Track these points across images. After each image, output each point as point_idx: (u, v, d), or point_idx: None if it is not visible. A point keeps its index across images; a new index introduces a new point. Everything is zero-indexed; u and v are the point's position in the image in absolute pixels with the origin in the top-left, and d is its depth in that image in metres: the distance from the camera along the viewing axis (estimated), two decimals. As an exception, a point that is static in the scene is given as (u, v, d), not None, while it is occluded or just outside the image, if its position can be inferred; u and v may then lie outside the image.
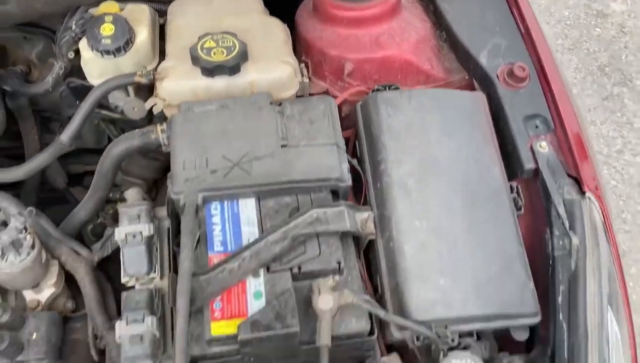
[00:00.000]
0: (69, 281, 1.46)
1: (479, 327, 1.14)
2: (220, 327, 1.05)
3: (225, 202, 1.18)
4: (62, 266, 1.42)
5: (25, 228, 1.25)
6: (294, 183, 1.16)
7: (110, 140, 2.21)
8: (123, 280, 1.22)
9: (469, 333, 1.16)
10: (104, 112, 1.71)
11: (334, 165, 1.18)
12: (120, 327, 1.12)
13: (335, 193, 1.21)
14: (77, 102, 1.73)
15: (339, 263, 1.12)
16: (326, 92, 1.48)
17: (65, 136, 1.37)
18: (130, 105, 1.60)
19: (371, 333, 1.11)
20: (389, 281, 1.17)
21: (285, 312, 1.05)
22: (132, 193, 1.35)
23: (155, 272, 1.22)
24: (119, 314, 1.47)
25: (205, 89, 1.32)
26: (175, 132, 1.20)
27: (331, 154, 1.19)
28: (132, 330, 1.12)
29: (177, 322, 1.00)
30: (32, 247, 1.29)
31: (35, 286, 1.36)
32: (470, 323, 1.12)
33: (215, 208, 1.17)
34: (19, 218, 1.24)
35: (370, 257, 1.26)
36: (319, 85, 1.48)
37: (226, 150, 1.18)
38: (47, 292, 1.37)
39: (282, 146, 1.19)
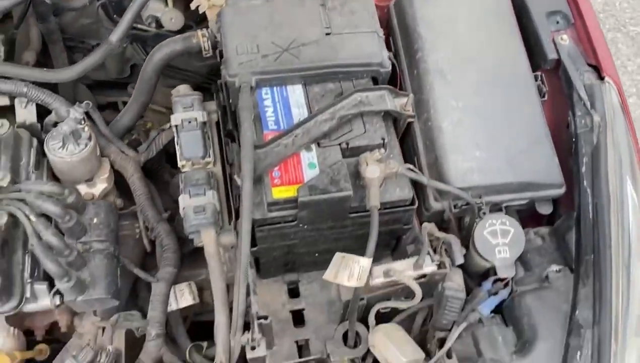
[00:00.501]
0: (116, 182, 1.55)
1: (511, 197, 1.26)
2: (280, 191, 1.15)
3: (275, 88, 1.27)
4: (111, 164, 1.51)
5: (84, 119, 1.33)
6: (339, 67, 1.25)
7: (133, 70, 2.29)
8: (180, 163, 1.31)
9: (498, 209, 1.28)
10: (140, 26, 1.78)
11: (376, 51, 1.27)
12: (184, 199, 1.22)
13: (375, 81, 1.31)
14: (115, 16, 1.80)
15: (383, 139, 1.22)
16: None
17: (115, 36, 1.44)
18: (168, 16, 1.66)
19: (412, 203, 1.22)
20: (427, 157, 1.28)
21: (338, 178, 1.15)
22: (183, 88, 1.43)
23: (209, 156, 1.31)
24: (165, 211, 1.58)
25: (248, -12, 1.39)
26: (226, 22, 1.28)
27: (372, 41, 1.28)
28: (195, 202, 1.22)
29: (243, 184, 1.10)
30: (89, 138, 1.37)
31: (89, 180, 1.44)
32: (503, 194, 1.23)
33: (266, 93, 1.26)
34: (78, 109, 1.32)
35: (405, 142, 1.36)
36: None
37: (275, 38, 1.26)
38: (99, 186, 1.46)
39: (327, 34, 1.28)
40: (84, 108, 1.32)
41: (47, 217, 1.24)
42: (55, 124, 1.51)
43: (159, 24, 1.75)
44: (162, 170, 1.77)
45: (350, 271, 1.11)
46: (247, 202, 1.10)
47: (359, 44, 1.27)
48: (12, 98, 1.46)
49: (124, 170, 1.52)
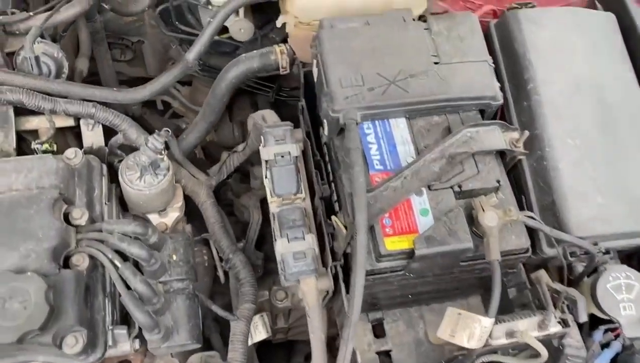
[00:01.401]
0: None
1: (628, 243, 1.17)
2: (394, 243, 1.06)
3: (377, 121, 1.17)
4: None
5: (164, 149, 1.23)
6: (450, 101, 1.15)
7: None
8: (270, 200, 1.21)
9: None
10: (196, 31, 1.66)
11: (488, 83, 1.17)
12: (282, 244, 1.13)
13: (482, 112, 1.20)
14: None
15: (498, 181, 1.13)
16: (446, 12, 1.44)
17: (192, 55, 1.33)
18: (237, 26, 1.54)
19: (527, 251, 1.13)
20: (540, 199, 1.18)
21: (456, 228, 1.06)
22: (269, 114, 1.32)
23: (301, 192, 1.21)
24: (237, 239, 1.49)
25: (339, 6, 1.28)
26: (325, 48, 1.16)
27: (484, 71, 1.17)
28: (294, 247, 1.12)
29: (358, 236, 1.00)
30: (168, 168, 1.27)
31: (163, 209, 1.35)
32: (629, 239, 1.14)
33: (368, 127, 1.16)
34: (158, 138, 1.21)
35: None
36: (437, 4, 1.44)
37: (380, 68, 1.15)
38: (172, 215, 1.36)
39: (435, 63, 1.17)
40: (164, 136, 1.21)
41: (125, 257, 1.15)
42: (121, 147, 1.41)
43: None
44: (223, 188, 1.68)
45: (471, 331, 1.03)
46: (362, 256, 1.01)
47: (470, 76, 1.16)
48: (76, 119, 1.36)
49: (195, 196, 1.43)
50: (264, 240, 1.60)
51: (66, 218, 1.14)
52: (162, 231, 1.35)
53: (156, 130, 1.23)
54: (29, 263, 1.05)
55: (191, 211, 1.46)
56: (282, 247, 1.13)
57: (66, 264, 1.10)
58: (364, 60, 1.15)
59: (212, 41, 1.34)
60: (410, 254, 1.05)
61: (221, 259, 1.41)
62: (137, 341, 1.19)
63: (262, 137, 1.23)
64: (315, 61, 1.21)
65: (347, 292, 1.18)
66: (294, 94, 1.92)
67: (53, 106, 1.26)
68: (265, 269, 1.54)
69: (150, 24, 1.96)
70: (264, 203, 1.61)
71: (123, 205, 1.36)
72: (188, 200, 1.43)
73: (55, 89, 1.27)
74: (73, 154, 1.21)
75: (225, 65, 1.86)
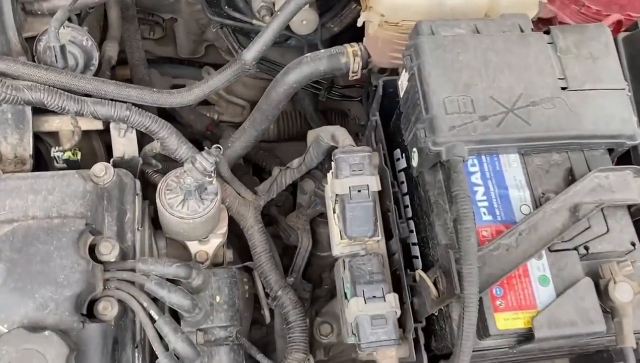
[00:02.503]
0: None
1: None
2: (507, 321, 0.83)
3: (484, 157, 0.94)
4: (226, 210, 1.19)
5: (213, 171, 1.00)
6: (582, 138, 0.91)
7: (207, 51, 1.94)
8: (336, 241, 0.99)
9: None
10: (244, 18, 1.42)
11: (627, 118, 0.93)
12: (357, 304, 0.91)
13: (609, 151, 0.97)
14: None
15: (634, 244, 0.90)
16: (554, 18, 1.20)
17: (251, 55, 1.08)
18: (301, 17, 1.30)
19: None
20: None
21: (586, 305, 0.84)
22: (341, 133, 1.08)
23: (378, 235, 0.99)
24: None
25: (437, 4, 1.03)
26: (426, 61, 0.92)
27: (622, 102, 0.93)
28: (372, 309, 0.90)
29: (466, 310, 0.78)
30: (216, 193, 1.04)
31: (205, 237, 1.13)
32: None
33: (472, 164, 0.93)
34: (208, 158, 0.98)
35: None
36: (546, 8, 1.19)
37: (494, 90, 0.91)
38: (214, 242, 1.14)
39: (562, 88, 0.93)
40: (214, 156, 0.98)
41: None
42: (156, 156, 1.19)
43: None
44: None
45: None
46: (471, 333, 0.79)
47: (605, 107, 0.92)
48: (105, 122, 1.13)
49: (241, 219, 1.20)
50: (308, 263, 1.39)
51: (91, 251, 0.93)
52: (201, 261, 1.14)
53: (205, 148, 1.00)
54: (47, 316, 0.83)
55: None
56: (356, 307, 0.91)
57: (90, 310, 0.89)
58: (474, 79, 0.91)
59: (275, 39, 1.09)
60: (526, 335, 0.83)
61: (267, 295, 1.20)
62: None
63: (333, 164, 1.01)
64: (407, 73, 0.97)
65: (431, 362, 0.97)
66: (347, 93, 1.69)
67: (80, 107, 1.03)
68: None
69: (186, 1, 1.72)
70: (312, 224, 1.40)
71: (155, 223, 1.14)
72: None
73: (83, 87, 1.03)
74: (103, 171, 0.98)
75: (273, 58, 1.66)
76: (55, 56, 1.03)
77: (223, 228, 1.14)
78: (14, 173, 0.97)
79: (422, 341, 0.96)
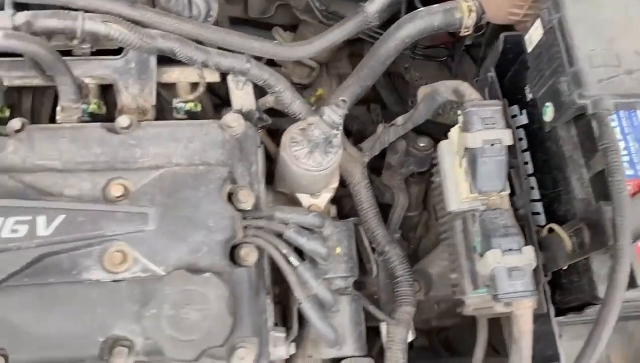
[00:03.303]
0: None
1: None
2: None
3: (621, 112, 0.93)
4: (333, 167, 1.19)
5: (341, 124, 1.00)
6: None
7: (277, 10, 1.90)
8: (464, 196, 1.00)
9: None
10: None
11: None
12: (494, 256, 0.92)
13: None
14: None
15: None
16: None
17: (373, 7, 1.08)
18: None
19: None
20: None
21: None
22: (467, 87, 1.07)
23: (507, 189, 1.00)
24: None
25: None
26: (568, 13, 0.91)
27: None
28: (509, 261, 0.91)
29: (618, 265, 0.79)
30: (340, 146, 1.05)
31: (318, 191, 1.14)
32: None
33: (612, 119, 0.92)
34: (337, 111, 0.98)
35: None
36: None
37: (638, 45, 0.90)
38: (324, 196, 1.15)
39: None
40: (343, 108, 0.98)
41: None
42: (269, 111, 1.19)
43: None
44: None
45: None
46: (623, 284, 0.79)
47: None
48: (222, 74, 1.13)
49: (349, 176, 1.21)
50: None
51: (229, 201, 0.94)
52: (314, 215, 1.15)
53: (334, 101, 1.00)
54: (200, 260, 0.85)
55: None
56: (493, 259, 0.92)
57: (230, 256, 0.91)
58: (618, 34, 0.90)
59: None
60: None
61: (374, 250, 1.21)
62: (292, 345, 1.01)
63: (461, 118, 1.01)
64: (542, 27, 0.96)
65: (557, 314, 0.99)
66: (430, 54, 1.68)
67: (205, 58, 1.03)
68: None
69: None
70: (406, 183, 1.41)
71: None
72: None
73: (209, 37, 1.03)
74: (235, 121, 0.99)
75: (349, 14, 1.64)
76: (184, 5, 1.02)
77: (335, 183, 1.15)
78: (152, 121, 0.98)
79: (548, 294, 0.98)
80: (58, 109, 0.96)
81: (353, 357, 1.06)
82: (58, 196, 0.85)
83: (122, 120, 0.94)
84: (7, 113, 1.03)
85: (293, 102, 1.13)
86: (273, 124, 1.22)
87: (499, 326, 1.19)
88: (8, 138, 0.90)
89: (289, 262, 0.91)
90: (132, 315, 0.83)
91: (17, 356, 0.80)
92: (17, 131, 0.91)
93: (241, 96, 1.11)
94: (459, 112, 1.02)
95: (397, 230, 1.33)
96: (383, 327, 1.14)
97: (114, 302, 0.83)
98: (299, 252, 0.97)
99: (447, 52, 1.63)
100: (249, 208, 0.94)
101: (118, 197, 0.86)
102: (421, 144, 1.32)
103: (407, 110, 1.72)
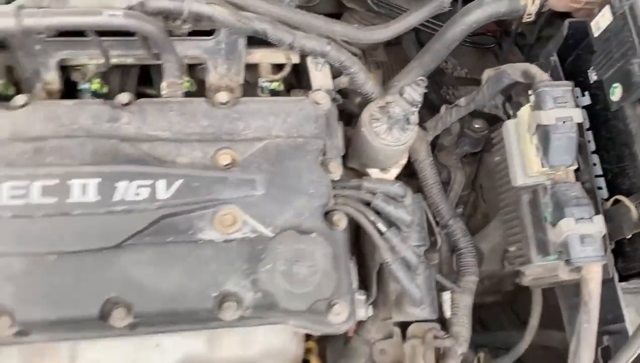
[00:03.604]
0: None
1: None
2: None
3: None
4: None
5: (420, 102, 1.08)
6: None
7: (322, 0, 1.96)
8: (536, 170, 1.08)
9: None
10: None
11: None
12: (567, 224, 0.99)
13: None
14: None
15: None
16: None
17: (452, -8, 1.15)
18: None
19: None
20: None
21: None
22: (536, 69, 1.14)
23: (575, 164, 1.07)
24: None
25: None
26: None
27: None
28: (581, 229, 0.99)
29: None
30: (416, 123, 1.13)
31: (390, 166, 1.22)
32: None
33: (678, 98, 1.00)
34: (418, 89, 1.05)
35: None
36: None
37: None
38: (393, 172, 1.23)
39: None
40: (422, 87, 1.06)
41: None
42: (340, 92, 1.26)
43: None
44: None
45: None
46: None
47: None
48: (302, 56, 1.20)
49: (414, 152, 1.28)
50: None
51: (317, 170, 1.01)
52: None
53: (415, 80, 1.07)
54: (303, 222, 0.93)
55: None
56: (567, 227, 0.99)
57: (322, 222, 0.99)
58: (686, 18, 0.98)
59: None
60: None
61: (437, 224, 1.29)
62: (370, 308, 1.09)
63: (533, 97, 1.08)
64: (611, 13, 1.03)
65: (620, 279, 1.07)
66: (478, 41, 1.75)
67: (292, 40, 1.10)
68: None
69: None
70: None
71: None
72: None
73: (297, 20, 1.10)
74: (323, 98, 1.06)
75: (397, 2, 1.70)
76: (271, -10, 1.10)
77: (404, 159, 1.23)
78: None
79: (611, 261, 1.06)
80: (163, 85, 1.03)
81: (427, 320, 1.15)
82: (172, 164, 0.93)
83: (221, 96, 1.02)
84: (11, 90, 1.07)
85: (366, 83, 1.21)
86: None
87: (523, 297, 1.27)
88: (120, 110, 0.97)
89: (377, 228, 0.99)
90: (242, 272, 0.91)
91: (140, 308, 0.89)
92: (125, 105, 0.99)
93: (320, 77, 1.19)
94: (530, 92, 1.10)
95: (452, 205, 1.41)
96: (446, 296, 1.23)
97: (226, 260, 0.91)
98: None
99: (494, 39, 1.70)
100: (337, 179, 1.02)
101: (226, 165, 0.94)
102: (476, 126, 1.40)
103: (443, 97, 1.81)
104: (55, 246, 0.87)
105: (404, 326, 1.25)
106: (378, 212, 1.01)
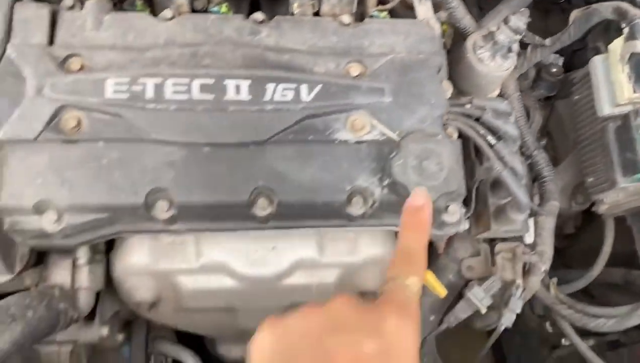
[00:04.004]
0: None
1: None
2: None
3: None
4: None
5: (524, 30, 1.17)
6: None
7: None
8: (628, 97, 1.17)
9: None
10: None
11: None
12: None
13: None
14: None
15: None
16: None
17: None
18: None
19: None
20: None
21: None
22: (628, 5, 1.24)
23: (663, 91, 1.17)
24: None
25: None
26: None
27: None
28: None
29: None
30: (517, 53, 1.22)
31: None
32: None
33: None
34: (522, 18, 1.15)
35: None
36: None
37: None
38: (484, 103, 1.33)
39: None
40: (526, 17, 1.15)
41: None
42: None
43: None
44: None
45: None
46: None
47: None
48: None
49: (504, 87, 1.36)
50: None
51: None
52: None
53: (519, 10, 1.17)
54: (425, 129, 1.04)
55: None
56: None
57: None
58: None
59: None
60: None
61: (522, 154, 1.39)
62: (467, 221, 1.19)
63: (627, 29, 1.17)
64: None
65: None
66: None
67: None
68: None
69: None
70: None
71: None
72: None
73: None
74: (434, 23, 1.17)
75: None
76: None
77: (497, 90, 1.33)
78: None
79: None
80: (295, 4, 1.13)
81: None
82: (310, 72, 1.03)
83: (345, 18, 1.12)
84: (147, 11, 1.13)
85: (464, 17, 1.30)
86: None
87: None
88: (259, 25, 1.07)
89: (486, 141, 1.09)
90: (371, 170, 1.01)
91: (282, 197, 0.99)
92: (260, 22, 1.09)
93: (423, 10, 1.28)
94: (623, 24, 1.19)
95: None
96: (530, 222, 1.33)
97: (357, 159, 1.01)
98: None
99: (564, -6, 1.78)
100: (448, 96, 1.13)
101: (356, 76, 1.04)
102: (553, 70, 1.49)
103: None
104: (212, 138, 0.98)
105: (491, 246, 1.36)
106: (487, 128, 1.11)
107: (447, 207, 1.04)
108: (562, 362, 1.82)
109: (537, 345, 1.96)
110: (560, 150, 1.59)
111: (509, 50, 1.20)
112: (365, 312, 0.60)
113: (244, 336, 1.48)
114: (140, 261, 1.12)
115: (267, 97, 0.99)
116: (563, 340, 1.78)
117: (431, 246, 1.37)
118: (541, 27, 1.65)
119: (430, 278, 1.24)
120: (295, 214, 1.03)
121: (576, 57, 1.60)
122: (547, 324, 1.78)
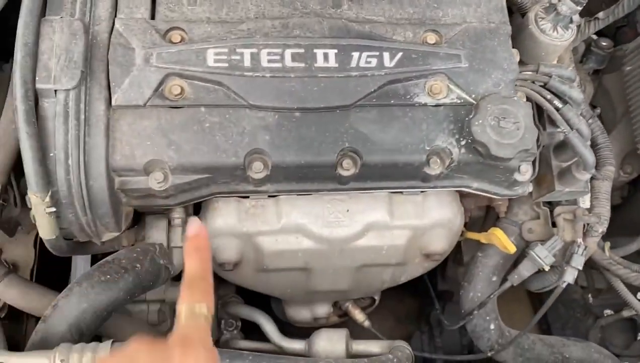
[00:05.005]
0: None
1: None
2: None
3: None
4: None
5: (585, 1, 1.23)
6: None
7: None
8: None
9: None
10: None
11: None
12: None
13: None
14: None
15: None
16: None
17: None
18: None
19: None
20: None
21: None
22: None
23: None
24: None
25: None
26: None
27: None
28: None
29: None
30: (577, 25, 1.28)
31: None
32: None
33: None
34: (585, -10, 1.21)
35: None
36: None
37: None
38: (541, 74, 1.40)
39: None
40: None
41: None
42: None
43: None
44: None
45: None
46: None
47: None
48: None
49: (560, 59, 1.44)
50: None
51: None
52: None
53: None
54: (500, 91, 1.11)
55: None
56: None
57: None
58: None
59: None
60: None
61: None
62: (530, 185, 1.26)
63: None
64: None
65: None
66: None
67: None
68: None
69: None
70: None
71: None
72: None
73: None
74: (501, -4, 1.24)
75: None
76: None
77: (554, 61, 1.39)
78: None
79: None
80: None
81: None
82: (391, 40, 1.11)
83: (414, -8, 1.19)
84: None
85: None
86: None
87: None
88: (340, -2, 1.15)
89: (553, 105, 1.16)
90: (449, 131, 1.08)
91: (367, 157, 1.07)
92: (340, -3, 1.17)
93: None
94: (682, -6, 1.26)
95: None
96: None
97: (436, 121, 1.09)
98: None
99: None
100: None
101: (433, 43, 1.11)
102: (603, 43, 1.55)
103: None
104: (302, 102, 1.05)
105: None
106: (553, 93, 1.17)
107: (520, 166, 1.11)
108: (605, 331, 1.87)
109: (581, 315, 2.02)
110: (606, 123, 1.64)
111: (571, 20, 1.26)
112: (156, 350, 0.66)
113: (314, 298, 1.57)
114: (226, 223, 1.20)
115: (353, 63, 1.06)
116: (606, 311, 1.85)
117: (492, 210, 1.45)
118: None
119: (501, 236, 1.32)
120: (375, 175, 1.10)
121: (620, 33, 1.66)
122: (590, 296, 1.84)
